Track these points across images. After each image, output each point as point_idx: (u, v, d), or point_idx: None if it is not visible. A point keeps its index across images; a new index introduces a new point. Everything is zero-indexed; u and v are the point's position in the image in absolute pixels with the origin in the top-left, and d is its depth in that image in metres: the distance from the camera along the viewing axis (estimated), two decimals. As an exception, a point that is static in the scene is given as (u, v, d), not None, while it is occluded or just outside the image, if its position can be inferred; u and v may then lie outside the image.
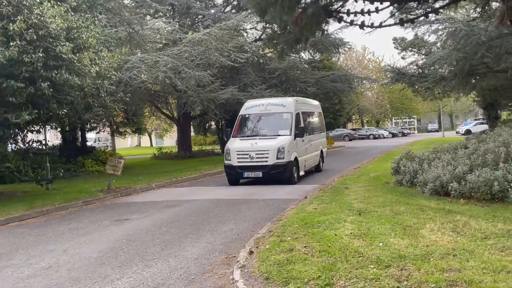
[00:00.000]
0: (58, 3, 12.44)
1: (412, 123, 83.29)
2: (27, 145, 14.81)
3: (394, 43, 28.14)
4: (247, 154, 15.42)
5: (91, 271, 6.57)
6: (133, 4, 26.58)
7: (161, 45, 26.10)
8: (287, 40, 6.37)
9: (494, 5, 13.98)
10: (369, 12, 5.66)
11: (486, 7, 12.37)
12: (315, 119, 19.98)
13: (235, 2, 31.75)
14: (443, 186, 10.07)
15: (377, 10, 5.72)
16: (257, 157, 15.30)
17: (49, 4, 11.82)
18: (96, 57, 13.57)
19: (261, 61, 30.43)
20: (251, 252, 6.67)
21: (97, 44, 13.99)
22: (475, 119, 60.50)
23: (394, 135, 62.73)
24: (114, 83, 15.20)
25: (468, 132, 47.36)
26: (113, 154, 27.27)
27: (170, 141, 62.79)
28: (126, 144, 66.98)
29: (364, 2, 5.72)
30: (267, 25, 27.60)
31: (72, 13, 12.98)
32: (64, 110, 13.67)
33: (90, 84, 13.09)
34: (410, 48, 27.83)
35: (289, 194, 13.03)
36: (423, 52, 27.41)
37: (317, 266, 5.66)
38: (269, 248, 6.71)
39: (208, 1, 31.22)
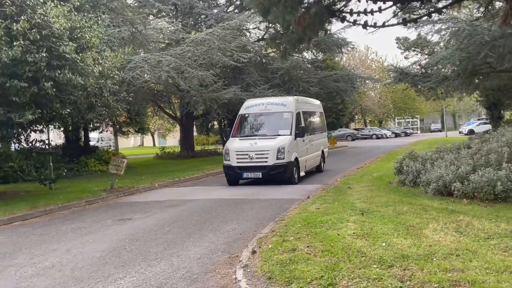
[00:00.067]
0: (62, 3, 12.47)
1: (415, 123, 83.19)
2: (30, 144, 14.84)
3: (397, 43, 28.11)
4: (247, 154, 15.20)
5: (94, 270, 6.58)
6: (136, 4, 26.63)
7: (164, 45, 26.14)
8: (290, 39, 6.37)
9: (498, 4, 13.96)
10: (372, 12, 5.65)
11: (490, 7, 12.36)
12: (316, 119, 19.77)
13: (238, 2, 31.78)
14: (446, 186, 10.06)
15: (380, 10, 5.72)
16: (257, 158, 15.10)
17: (52, 4, 11.84)
18: (99, 57, 13.58)
19: (264, 61, 30.45)
20: (253, 252, 6.68)
21: (100, 44, 14.00)
22: (478, 119, 60.42)
23: (397, 135, 62.66)
24: (117, 82, 15.22)
25: (471, 132, 47.29)
26: (116, 153, 27.30)
27: (172, 140, 62.87)
28: (129, 143, 67.08)
29: (367, 1, 5.72)
30: (270, 25, 27.63)
31: (75, 13, 13.00)
32: (67, 110, 13.68)
33: (93, 83, 13.11)
34: (413, 48, 27.78)
35: (292, 194, 13.03)
36: (426, 52, 27.36)
37: (319, 266, 5.66)
38: (271, 248, 6.71)
39: (211, 1, 31.26)
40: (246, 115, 16.98)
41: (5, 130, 13.39)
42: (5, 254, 7.82)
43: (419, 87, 25.10)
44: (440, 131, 72.28)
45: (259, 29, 32.44)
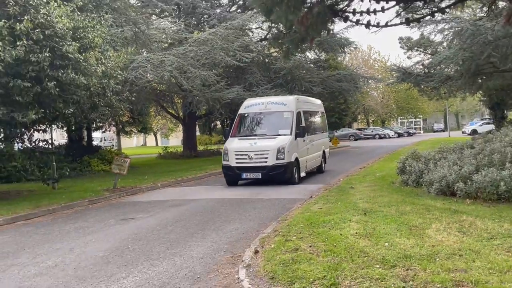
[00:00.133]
0: (65, 2, 12.49)
1: (418, 123, 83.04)
2: (33, 144, 14.87)
3: (400, 42, 28.10)
4: (246, 155, 14.96)
5: (97, 269, 6.59)
6: (139, 4, 26.65)
7: (166, 44, 26.15)
8: (293, 39, 6.36)
9: (501, 4, 13.93)
10: (375, 12, 5.65)
11: (493, 7, 12.34)
12: (317, 119, 19.54)
13: (240, 2, 31.77)
14: (449, 186, 10.04)
15: (383, 10, 5.71)
16: (256, 158, 14.87)
17: (55, 3, 11.86)
18: (102, 57, 13.60)
19: (266, 60, 30.44)
20: (256, 252, 6.68)
21: (103, 43, 14.02)
22: (482, 119, 60.26)
23: (399, 135, 62.60)
24: (120, 82, 15.24)
25: (474, 132, 47.17)
26: (118, 153, 27.34)
27: (175, 140, 62.94)
28: (132, 143, 67.19)
29: (369, 1, 5.71)
30: (273, 24, 27.61)
31: (79, 13, 13.02)
32: (70, 110, 13.72)
33: (96, 83, 13.13)
34: (416, 48, 27.77)
35: (294, 194, 13.03)
36: (429, 52, 27.34)
37: (322, 265, 5.66)
38: (274, 247, 6.71)
39: (213, 0, 31.27)
40: (246, 115, 16.76)
41: (8, 130, 13.43)
42: (9, 253, 7.84)
43: (422, 87, 25.06)
44: (443, 131, 72.18)
45: (261, 29, 32.45)
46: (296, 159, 15.36)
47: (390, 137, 58.59)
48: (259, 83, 27.21)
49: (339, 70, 36.22)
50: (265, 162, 14.79)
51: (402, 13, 8.07)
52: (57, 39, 11.76)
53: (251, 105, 16.86)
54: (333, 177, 16.76)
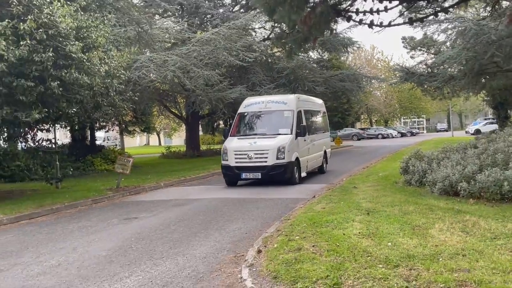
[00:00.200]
0: (68, 2, 12.52)
1: (421, 122, 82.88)
2: (37, 143, 14.90)
3: (403, 42, 28.03)
4: (245, 154, 14.70)
5: (100, 269, 6.60)
6: (142, 4, 26.69)
7: (169, 44, 26.20)
8: (296, 39, 6.36)
9: (504, 4, 13.90)
10: (378, 11, 5.64)
11: (496, 6, 12.31)
12: (318, 118, 19.30)
13: (243, 2, 31.79)
14: (452, 186, 10.02)
15: (386, 9, 5.71)
16: (256, 157, 14.62)
17: (59, 3, 11.89)
18: (105, 56, 13.63)
19: (269, 60, 30.46)
20: (259, 251, 6.68)
21: (106, 43, 14.04)
22: (485, 119, 60.15)
23: (403, 135, 62.50)
24: (123, 82, 15.26)
25: (477, 131, 47.07)
26: (122, 153, 27.39)
27: (178, 140, 63.02)
28: (135, 143, 67.26)
29: (373, 1, 5.72)
30: (276, 24, 27.60)
31: (82, 13, 13.04)
32: (74, 109, 13.75)
33: (99, 83, 13.15)
34: (419, 48, 27.69)
35: (297, 194, 13.02)
36: (432, 52, 27.27)
37: (325, 265, 5.65)
38: (277, 247, 6.71)
39: (216, 0, 31.28)
40: (245, 114, 16.53)
41: (12, 129, 13.47)
42: (12, 253, 7.86)
43: (425, 86, 25.03)
44: (446, 130, 72.00)
45: (264, 28, 32.46)
46: (297, 158, 15.14)
47: (393, 137, 58.51)
48: (262, 83, 27.22)
49: (342, 70, 36.21)
50: (265, 161, 14.58)
51: (405, 12, 8.07)
52: (60, 39, 11.78)
53: (251, 104, 16.64)
54: (336, 176, 16.73)
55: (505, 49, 15.45)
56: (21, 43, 11.12)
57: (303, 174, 15.89)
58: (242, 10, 31.32)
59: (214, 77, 22.33)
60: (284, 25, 6.73)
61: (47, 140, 15.29)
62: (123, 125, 33.57)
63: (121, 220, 10.35)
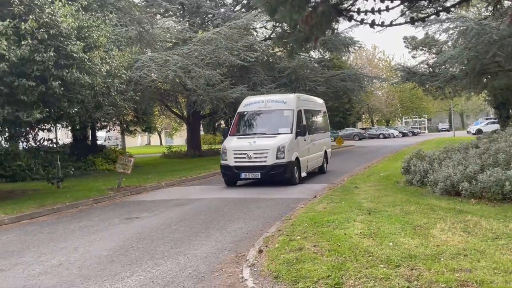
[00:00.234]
0: (69, 2, 12.52)
1: (423, 122, 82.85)
2: (38, 143, 14.91)
3: (404, 42, 27.99)
4: (245, 154, 14.57)
5: (101, 268, 6.60)
6: (143, 3, 26.70)
7: (171, 44, 26.21)
8: (297, 39, 6.35)
9: (506, 3, 13.86)
10: (379, 11, 5.63)
11: (498, 6, 12.29)
12: (319, 118, 19.17)
13: (244, 1, 31.80)
14: (453, 185, 10.01)
15: (387, 9, 5.69)
16: (256, 157, 14.48)
17: (60, 3, 11.89)
18: (106, 56, 13.63)
19: (270, 60, 30.46)
20: (260, 251, 6.67)
21: (107, 43, 14.05)
22: (486, 119, 60.07)
23: (404, 135, 62.46)
24: (124, 82, 15.26)
25: (479, 131, 47.00)
26: (123, 152, 27.42)
27: (179, 139, 63.04)
28: (136, 142, 67.30)
29: (374, 0, 5.70)
30: (277, 24, 27.56)
31: (83, 12, 13.05)
32: (75, 109, 13.76)
33: (101, 83, 13.16)
34: (420, 47, 27.64)
35: (298, 194, 13.02)
36: (434, 51, 27.23)
37: (326, 265, 5.65)
38: (278, 247, 6.70)
39: (218, 0, 31.27)
40: (245, 113, 16.42)
41: (13, 129, 13.48)
42: (13, 252, 7.87)
43: (427, 86, 24.96)
44: (448, 130, 71.97)
45: (266, 28, 32.45)
46: (297, 158, 15.02)
47: (394, 137, 58.48)
48: (263, 83, 27.21)
49: (344, 70, 36.17)
50: (265, 161, 14.45)
51: (407, 12, 8.06)
52: (61, 39, 11.79)
53: (251, 103, 16.54)
54: (337, 176, 16.72)
55: (507, 49, 15.41)
56: (23, 42, 11.13)
57: (303, 174, 15.77)
58: (243, 9, 31.32)
59: (215, 76, 22.32)
60: (286, 24, 6.72)
61: (49, 140, 15.30)
62: (124, 125, 33.58)
63: (122, 220, 10.35)
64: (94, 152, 24.13)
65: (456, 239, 6.47)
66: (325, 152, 18.76)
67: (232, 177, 15.15)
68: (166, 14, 30.14)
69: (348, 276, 5.25)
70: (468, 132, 55.91)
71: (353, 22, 6.02)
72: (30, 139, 14.85)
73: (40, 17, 11.32)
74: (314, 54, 36.16)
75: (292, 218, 8.83)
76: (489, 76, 20.87)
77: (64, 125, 17.13)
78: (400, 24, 6.19)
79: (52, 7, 11.57)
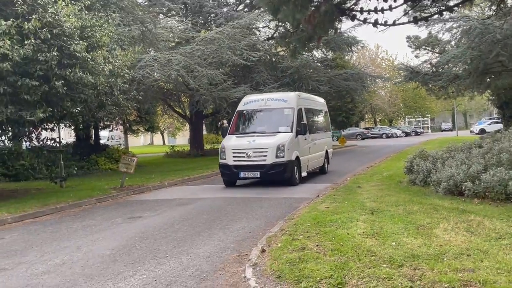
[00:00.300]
0: (72, 2, 12.54)
1: (426, 122, 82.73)
2: (41, 143, 14.96)
3: (407, 41, 27.92)
4: (244, 152, 14.35)
5: (104, 268, 6.61)
6: (146, 3, 26.73)
7: (173, 43, 26.22)
8: (300, 38, 6.34)
9: (510, 3, 13.84)
10: (382, 10, 5.62)
11: (501, 5, 12.24)
12: (320, 117, 18.97)
13: (247, 1, 31.78)
14: (457, 185, 9.98)
15: (390, 8, 5.68)
16: (255, 156, 14.23)
17: (63, 3, 11.91)
18: (109, 56, 13.65)
19: (273, 59, 30.44)
20: (263, 251, 6.67)
21: (110, 42, 14.06)
22: (490, 118, 59.90)
23: (407, 134, 62.38)
24: (127, 81, 15.28)
25: (482, 131, 46.89)
26: (126, 152, 27.45)
27: (182, 139, 63.08)
28: (139, 142, 67.41)
29: (377, 0, 5.69)
30: (280, 23, 27.54)
31: (86, 12, 13.06)
32: (78, 108, 13.78)
33: (104, 82, 13.18)
34: (423, 47, 27.57)
35: (301, 193, 13.01)
36: (437, 51, 27.16)
37: (329, 265, 5.64)
38: (281, 246, 6.70)
39: (220, -1, 31.31)
40: (244, 111, 16.22)
41: (16, 128, 13.51)
42: (17, 252, 7.89)
43: (430, 86, 24.90)
44: (451, 130, 71.84)
45: (268, 27, 32.47)
46: (297, 157, 14.78)
47: (397, 137, 58.43)
48: (266, 82, 27.21)
49: (346, 69, 36.13)
50: (264, 160, 14.20)
51: (410, 11, 8.02)
52: (65, 38, 11.81)
53: (250, 102, 16.31)
54: (340, 176, 16.71)
55: (510, 48, 15.37)
56: (26, 42, 11.15)
57: (304, 174, 15.53)
58: (246, 9, 31.32)
59: (218, 76, 22.32)
60: (288, 24, 6.71)
61: (52, 139, 15.34)
62: (127, 124, 33.62)
63: (125, 219, 10.36)
64: (97, 151, 24.18)
65: (459, 239, 6.46)
66: (326, 152, 18.53)
67: (231, 176, 14.92)
68: (169, 14, 30.16)
69: (351, 276, 5.25)
70: (471, 131, 55.76)
71: (356, 22, 6.02)
72: (33, 139, 14.89)
73: (43, 16, 11.34)
74: (317, 53, 36.17)
75: (295, 218, 8.82)
76: (492, 76, 20.82)
77: (67, 124, 17.15)
78: (403, 23, 6.19)
79: (55, 7, 11.59)
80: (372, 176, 15.31)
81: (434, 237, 6.63)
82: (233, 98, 23.96)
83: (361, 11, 5.72)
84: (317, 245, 6.56)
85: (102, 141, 29.92)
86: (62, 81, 11.72)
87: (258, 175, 14.41)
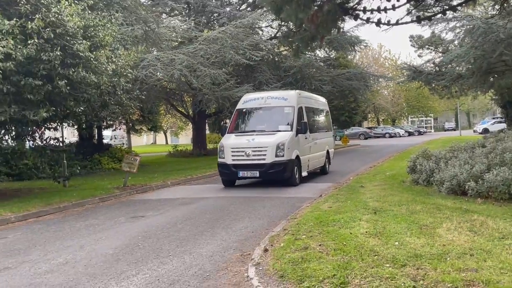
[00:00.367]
0: (76, 1, 12.56)
1: (429, 121, 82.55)
2: (44, 142, 14.98)
3: (410, 40, 27.92)
4: (243, 151, 14.11)
5: (107, 267, 6.62)
6: (149, 3, 26.74)
7: (176, 43, 26.23)
8: (303, 38, 6.35)
9: (513, 2, 13.78)
10: (385, 10, 5.63)
11: (505, 4, 12.22)
12: (321, 117, 18.72)
13: (250, 0, 31.78)
14: (460, 185, 9.97)
15: (393, 8, 5.68)
16: (254, 155, 13.98)
17: (66, 2, 11.93)
18: (112, 55, 13.66)
19: (276, 59, 30.44)
20: (265, 250, 6.67)
21: (113, 42, 14.08)
22: (493, 118, 59.79)
23: (410, 134, 62.32)
24: (130, 81, 15.29)
25: (485, 130, 46.79)
26: (129, 151, 27.50)
27: (185, 139, 63.14)
28: (142, 141, 67.45)
29: (380, -1, 5.69)
30: (283, 23, 27.52)
31: (89, 12, 13.08)
32: (81, 108, 13.80)
33: (107, 82, 13.19)
34: (427, 46, 27.55)
35: (304, 192, 13.00)
36: (440, 50, 27.13)
37: (332, 264, 5.64)
38: (284, 246, 6.70)
39: (223, -1, 31.30)
40: (244, 110, 15.92)
41: (20, 128, 13.54)
42: (20, 250, 7.91)
43: (433, 85, 24.88)
44: (454, 130, 71.71)
45: (271, 27, 32.42)
46: (297, 157, 14.49)
47: (400, 136, 58.36)
48: (269, 82, 27.19)
49: (349, 69, 36.08)
50: (263, 159, 13.94)
51: (413, 11, 8.02)
52: (68, 38, 11.82)
53: (250, 100, 16.05)
54: (343, 175, 16.69)
55: (514, 48, 15.35)
56: (29, 42, 11.17)
57: (304, 174, 15.26)
58: (249, 8, 31.30)
59: (221, 75, 22.32)
60: (291, 23, 6.71)
61: (55, 138, 15.37)
62: (130, 124, 33.69)
63: (128, 219, 10.38)
64: (100, 151, 24.21)
65: (462, 238, 6.44)
66: (328, 152, 18.25)
67: (229, 175, 14.68)
68: (172, 13, 30.17)
69: (354, 276, 5.24)
70: (474, 131, 55.69)
71: (359, 21, 6.02)
72: (37, 138, 14.91)
73: (47, 16, 11.36)
74: (320, 53, 36.13)
75: (298, 217, 8.82)
76: (495, 75, 20.78)
77: (70, 124, 17.19)
78: (406, 23, 6.18)
79: (58, 6, 11.60)
80: (375, 175, 15.29)
81: (437, 236, 6.62)
82: (236, 97, 23.92)
83: (364, 10, 5.72)
84: (320, 245, 6.56)
85: (105, 141, 29.99)
86: (65, 81, 11.73)
87: (257, 175, 14.19)
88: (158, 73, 21.51)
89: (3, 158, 13.80)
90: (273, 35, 31.44)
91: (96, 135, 25.86)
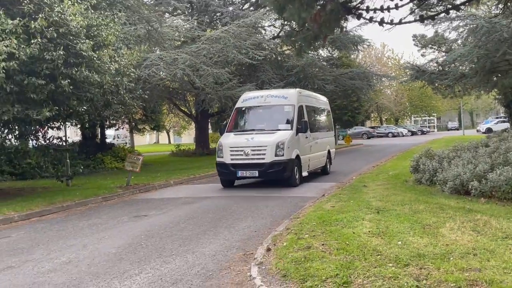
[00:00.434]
0: (79, 1, 12.57)
1: (432, 121, 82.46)
2: (47, 141, 15.00)
3: (413, 40, 27.82)
4: (242, 151, 13.85)
5: (110, 266, 6.63)
6: (152, 2, 26.75)
7: (179, 42, 26.24)
8: (306, 37, 6.34)
9: (517, 1, 13.73)
10: (388, 9, 5.61)
11: (509, 4, 12.17)
12: (322, 116, 18.52)
13: (253, 0, 31.76)
14: (463, 184, 9.95)
15: (396, 7, 5.67)
16: (253, 154, 13.74)
17: (69, 2, 11.94)
18: (115, 55, 13.68)
19: (279, 58, 30.43)
20: (268, 249, 6.67)
21: (116, 41, 14.09)
22: (497, 117, 59.63)
23: (413, 133, 62.27)
24: (133, 80, 15.30)
25: (489, 130, 46.69)
26: (131, 150, 27.52)
27: (188, 138, 63.15)
28: (145, 141, 67.53)
29: (383, -2, 5.69)
30: (286, 22, 27.50)
31: (92, 11, 13.09)
32: (84, 107, 13.82)
33: (110, 81, 13.20)
34: (430, 45, 27.46)
35: (307, 192, 13.00)
36: (444, 49, 27.05)
37: (334, 264, 5.63)
38: (286, 245, 6.70)
39: (226, -2, 31.31)
40: (243, 108, 15.74)
41: (23, 127, 13.56)
42: (23, 250, 7.92)
43: (436, 84, 24.83)
44: (457, 129, 71.60)
45: (274, 26, 32.40)
46: (297, 156, 14.23)
47: (403, 136, 58.34)
48: (272, 81, 27.18)
49: (352, 68, 36.03)
50: (263, 158, 13.68)
51: (416, 10, 8.00)
52: (71, 37, 11.84)
53: (249, 98, 15.86)
54: (346, 175, 16.68)
55: (517, 47, 15.31)
56: (32, 41, 11.18)
57: (304, 174, 14.99)
58: (251, 8, 31.31)
59: (224, 75, 22.32)
60: (294, 23, 6.71)
61: (58, 138, 15.39)
62: (133, 123, 33.72)
63: (131, 218, 10.39)
64: (103, 150, 24.25)
65: (465, 238, 6.43)
66: (329, 152, 18.01)
67: (228, 175, 14.41)
68: (174, 13, 30.16)
69: (357, 275, 5.23)
70: (478, 131, 55.53)
71: (362, 20, 6.02)
72: (40, 137, 14.94)
73: (50, 15, 11.37)
74: (323, 52, 36.10)
75: (301, 217, 8.81)
76: (499, 75, 20.73)
77: (74, 123, 17.20)
78: (409, 22, 6.18)
79: (61, 6, 11.61)
80: (378, 175, 15.27)
81: (440, 236, 6.61)
82: (238, 97, 23.83)
83: (367, 9, 5.71)
84: (323, 244, 6.55)
85: (108, 140, 29.98)
86: (68, 80, 11.75)
87: (257, 174, 13.95)
88: (161, 73, 21.53)
89: (7, 157, 13.84)
90: (276, 35, 31.43)
91: (99, 135, 25.89)
